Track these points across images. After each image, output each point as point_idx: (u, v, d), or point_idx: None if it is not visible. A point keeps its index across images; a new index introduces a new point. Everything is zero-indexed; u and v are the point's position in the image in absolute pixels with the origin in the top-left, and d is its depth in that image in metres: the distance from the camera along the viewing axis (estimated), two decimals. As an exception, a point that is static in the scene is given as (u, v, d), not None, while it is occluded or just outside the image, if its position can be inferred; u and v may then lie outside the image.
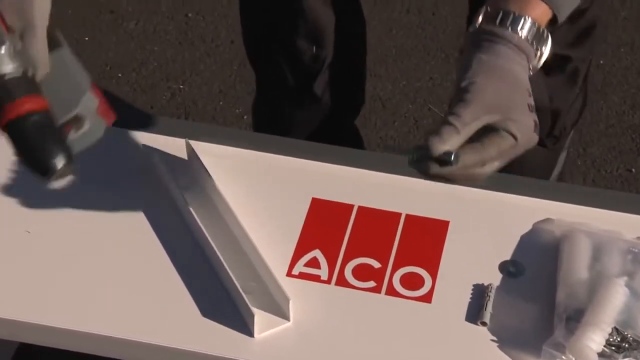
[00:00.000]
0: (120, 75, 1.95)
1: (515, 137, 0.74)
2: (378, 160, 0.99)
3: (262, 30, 1.24)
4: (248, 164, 0.97)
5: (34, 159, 0.71)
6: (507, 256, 0.88)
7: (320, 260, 0.88)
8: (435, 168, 0.73)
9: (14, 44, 0.72)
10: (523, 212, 0.92)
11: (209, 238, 0.86)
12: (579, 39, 1.16)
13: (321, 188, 0.94)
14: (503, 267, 0.87)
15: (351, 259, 0.88)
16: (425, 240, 0.90)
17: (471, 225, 0.91)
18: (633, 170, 1.77)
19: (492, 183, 0.92)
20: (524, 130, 0.75)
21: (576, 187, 1.21)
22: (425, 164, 0.73)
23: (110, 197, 0.93)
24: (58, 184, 0.79)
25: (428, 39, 2.06)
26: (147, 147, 0.98)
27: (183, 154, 0.96)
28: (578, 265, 0.82)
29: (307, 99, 1.26)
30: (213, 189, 0.91)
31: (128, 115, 1.02)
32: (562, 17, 0.79)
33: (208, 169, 0.92)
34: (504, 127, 0.74)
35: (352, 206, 0.93)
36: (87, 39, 2.03)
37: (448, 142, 0.73)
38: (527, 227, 0.90)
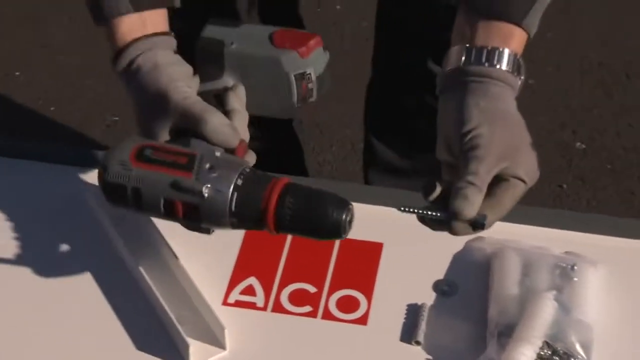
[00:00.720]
0: (53, 108, 1.93)
1: (524, 181, 0.72)
2: (313, 184, 0.99)
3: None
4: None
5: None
6: (441, 275, 0.89)
7: (256, 287, 0.88)
8: (464, 229, 0.72)
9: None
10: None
11: (142, 269, 0.86)
12: None
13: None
14: (437, 286, 0.88)
15: (287, 285, 0.88)
16: (360, 263, 0.91)
17: (404, 246, 0.92)
18: (564, 186, 1.81)
19: (420, 202, 0.94)
20: (531, 171, 0.73)
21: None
22: (452, 226, 0.71)
23: (40, 232, 0.91)
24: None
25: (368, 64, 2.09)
26: (80, 181, 0.97)
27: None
28: (508, 282, 0.84)
29: None
30: (145, 219, 0.90)
31: (62, 149, 1.01)
32: (532, 35, 0.78)
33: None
34: (514, 174, 0.72)
35: (287, 232, 0.93)
36: (17, 73, 2.00)
37: (476, 204, 0.71)
38: (459, 246, 0.92)
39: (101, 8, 0.78)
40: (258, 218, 0.71)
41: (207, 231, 0.74)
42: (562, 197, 1.78)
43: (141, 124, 0.77)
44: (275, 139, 1.29)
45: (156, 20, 0.79)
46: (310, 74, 0.83)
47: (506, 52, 0.75)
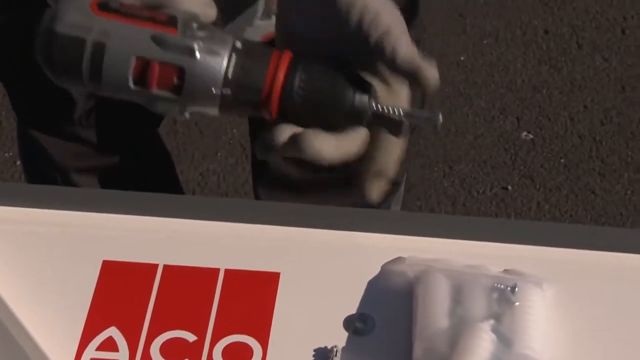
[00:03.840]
0: None
1: None
2: (190, 204, 1.00)
3: None
4: (14, 224, 0.95)
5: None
6: (353, 309, 0.91)
7: (117, 339, 0.88)
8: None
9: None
10: (369, 252, 0.95)
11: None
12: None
13: (114, 247, 0.94)
14: (349, 323, 0.89)
15: (158, 334, 0.88)
16: (251, 299, 0.91)
17: (307, 275, 0.93)
18: (509, 187, 1.86)
19: (324, 220, 0.95)
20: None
21: (433, 217, 1.26)
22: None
23: None
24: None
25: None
26: None
27: None
28: (436, 313, 0.86)
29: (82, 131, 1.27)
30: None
31: None
32: None
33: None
34: None
35: (155, 266, 0.93)
36: None
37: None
38: (374, 271, 0.93)
39: None
40: (257, 91, 0.69)
41: (183, 111, 0.71)
42: (506, 201, 1.83)
43: None
44: (134, 150, 1.29)
45: None
46: None
47: None
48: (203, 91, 0.69)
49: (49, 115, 1.28)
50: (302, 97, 0.69)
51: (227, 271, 0.93)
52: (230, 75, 0.69)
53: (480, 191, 1.82)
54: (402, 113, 0.71)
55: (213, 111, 0.71)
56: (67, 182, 1.30)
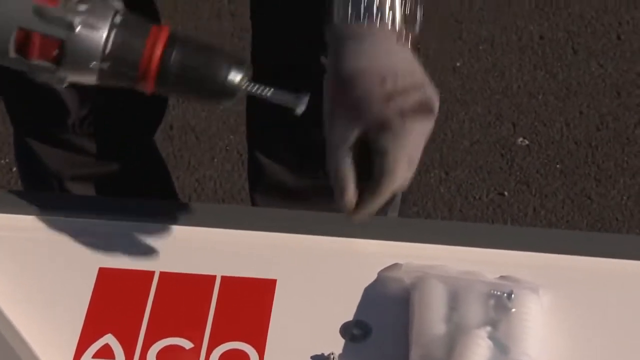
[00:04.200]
0: None
1: None
2: (183, 211, 1.00)
3: None
4: (10, 231, 0.95)
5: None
6: (350, 316, 0.91)
7: (113, 347, 0.88)
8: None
9: None
10: (365, 259, 0.95)
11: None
12: None
13: (110, 254, 0.94)
14: (345, 329, 0.90)
15: (155, 341, 0.88)
16: (248, 306, 0.91)
17: (303, 281, 0.93)
18: (505, 193, 1.86)
19: (320, 226, 0.96)
20: None
21: (429, 223, 1.26)
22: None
23: None
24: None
25: (247, 50, 2.09)
26: None
27: None
28: (432, 319, 0.86)
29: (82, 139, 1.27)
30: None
31: None
32: None
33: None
34: None
35: (151, 273, 0.93)
36: None
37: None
38: (371, 277, 0.94)
39: None
40: (135, 66, 0.72)
41: (62, 81, 0.74)
42: (503, 207, 1.83)
43: None
44: (129, 158, 1.29)
45: None
46: None
47: None
48: (82, 64, 0.72)
49: (42, 122, 1.27)
50: (176, 74, 0.72)
51: (223, 278, 0.93)
52: (108, 50, 0.71)
53: (477, 197, 1.82)
54: (269, 94, 0.76)
55: (91, 81, 0.73)
56: (63, 190, 1.30)
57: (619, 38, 2.13)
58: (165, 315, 0.90)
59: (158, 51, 0.72)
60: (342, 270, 0.94)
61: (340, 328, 0.90)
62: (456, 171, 1.88)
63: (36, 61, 0.72)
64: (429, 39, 1.95)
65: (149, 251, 0.95)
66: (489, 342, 0.82)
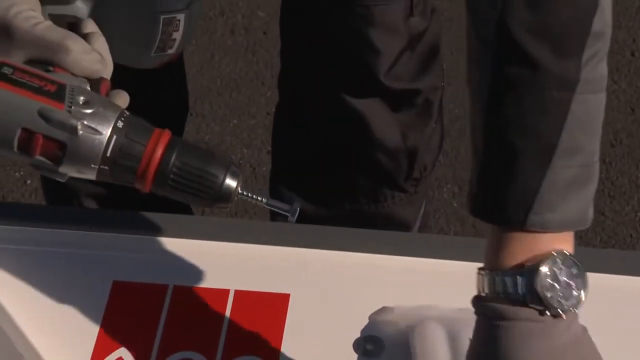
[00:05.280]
0: None
1: None
2: (196, 225, 1.00)
3: None
4: (24, 244, 0.96)
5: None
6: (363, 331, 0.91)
7: (127, 360, 0.88)
8: None
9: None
10: (380, 273, 0.95)
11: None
12: (423, 68, 1.22)
13: (124, 267, 0.94)
14: (358, 345, 0.89)
15: (168, 355, 0.88)
16: (261, 320, 0.91)
17: (316, 296, 0.93)
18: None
19: (334, 241, 0.96)
20: None
21: (442, 238, 1.26)
22: None
23: None
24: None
25: (261, 64, 2.11)
26: None
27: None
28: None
29: None
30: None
31: None
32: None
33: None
34: None
35: (165, 287, 0.93)
36: None
37: None
38: (385, 292, 0.93)
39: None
40: (134, 170, 0.74)
41: (63, 176, 0.75)
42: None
43: None
44: None
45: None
46: (179, 20, 0.87)
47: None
48: (82, 165, 0.73)
49: None
50: (174, 179, 0.74)
51: (237, 292, 0.93)
52: (109, 154, 0.73)
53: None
54: (264, 201, 0.77)
55: (91, 177, 0.75)
56: (80, 205, 1.30)
57: (632, 54, 2.13)
58: (178, 329, 0.90)
59: (159, 152, 0.74)
60: (356, 285, 0.94)
61: (353, 343, 0.90)
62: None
63: (38, 159, 0.73)
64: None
65: (162, 265, 0.95)
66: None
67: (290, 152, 1.34)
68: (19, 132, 0.72)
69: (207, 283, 0.94)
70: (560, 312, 0.72)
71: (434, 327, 0.88)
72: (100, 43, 0.79)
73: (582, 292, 0.73)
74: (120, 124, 0.73)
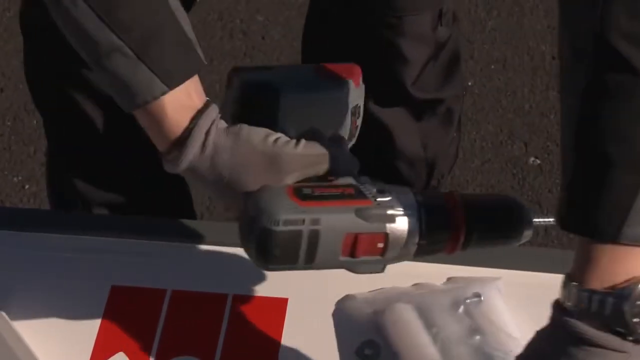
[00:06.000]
0: None
1: None
2: (195, 230, 1.00)
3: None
4: (23, 249, 0.96)
5: None
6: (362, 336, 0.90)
7: (125, 364, 0.88)
8: None
9: None
10: (378, 278, 0.94)
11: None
12: (445, 77, 1.22)
13: (122, 272, 0.94)
14: (357, 349, 0.89)
15: (166, 360, 0.89)
16: (259, 325, 0.91)
17: (314, 300, 0.93)
18: (517, 212, 1.86)
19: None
20: None
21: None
22: None
23: None
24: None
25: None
26: None
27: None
28: (420, 344, 0.85)
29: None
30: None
31: None
32: None
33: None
34: None
35: (164, 291, 0.93)
36: None
37: None
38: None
39: (133, 95, 0.78)
40: (447, 237, 0.77)
41: (382, 269, 0.78)
42: (515, 226, 1.82)
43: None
44: (157, 182, 1.30)
45: (195, 86, 0.84)
46: (360, 106, 0.89)
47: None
48: (404, 247, 0.76)
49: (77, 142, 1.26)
50: (482, 228, 0.78)
51: (235, 296, 0.93)
52: (423, 227, 0.76)
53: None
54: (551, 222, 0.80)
55: (408, 258, 0.78)
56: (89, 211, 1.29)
57: (631, 58, 2.13)
58: (177, 333, 0.90)
59: (462, 215, 0.77)
60: (355, 290, 0.94)
61: (355, 348, 0.89)
62: (467, 190, 1.88)
63: (362, 258, 0.77)
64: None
65: (161, 269, 0.95)
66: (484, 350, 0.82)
67: None
68: (343, 238, 0.75)
69: (205, 287, 0.94)
70: None
71: (405, 307, 0.88)
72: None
73: None
74: (420, 198, 0.76)
